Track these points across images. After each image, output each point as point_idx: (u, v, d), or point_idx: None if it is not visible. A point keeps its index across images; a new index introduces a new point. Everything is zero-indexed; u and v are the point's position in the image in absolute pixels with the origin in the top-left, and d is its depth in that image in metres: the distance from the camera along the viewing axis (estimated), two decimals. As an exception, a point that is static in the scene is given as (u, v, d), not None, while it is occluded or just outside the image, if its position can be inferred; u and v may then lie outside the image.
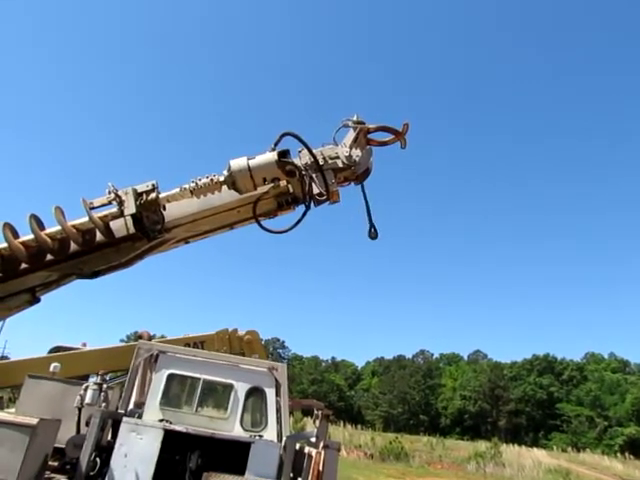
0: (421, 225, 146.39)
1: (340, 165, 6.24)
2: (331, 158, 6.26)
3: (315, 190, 6.06)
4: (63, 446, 5.73)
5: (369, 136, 6.62)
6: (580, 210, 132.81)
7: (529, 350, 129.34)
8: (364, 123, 6.56)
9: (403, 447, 36.32)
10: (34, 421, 4.79)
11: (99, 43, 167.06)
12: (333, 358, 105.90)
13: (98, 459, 5.53)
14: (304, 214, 6.08)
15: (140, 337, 7.73)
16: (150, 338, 7.83)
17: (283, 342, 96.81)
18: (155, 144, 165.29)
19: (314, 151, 6.11)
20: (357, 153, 6.33)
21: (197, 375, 6.22)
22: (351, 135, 6.44)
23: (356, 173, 6.38)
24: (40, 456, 4.99)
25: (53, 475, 5.46)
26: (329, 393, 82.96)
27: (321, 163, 6.12)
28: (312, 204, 6.12)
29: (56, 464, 5.73)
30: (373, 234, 6.51)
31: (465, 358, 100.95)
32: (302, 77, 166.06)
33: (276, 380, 6.35)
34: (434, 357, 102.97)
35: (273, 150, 5.89)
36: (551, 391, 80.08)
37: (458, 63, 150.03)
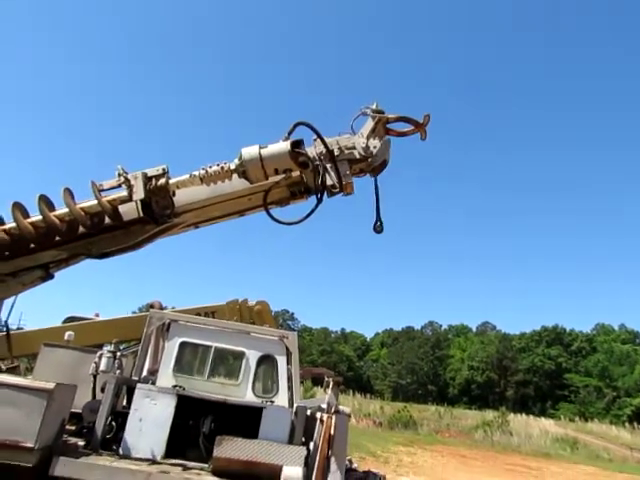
0: (429, 197, 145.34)
1: (356, 156, 6.06)
2: (347, 148, 6.08)
3: (328, 181, 5.91)
4: (79, 411, 5.88)
5: (388, 126, 6.37)
6: (588, 184, 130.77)
7: (538, 322, 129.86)
8: (383, 112, 6.28)
9: (411, 416, 37.02)
10: (51, 386, 4.89)
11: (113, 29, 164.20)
12: (342, 329, 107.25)
13: (114, 423, 5.67)
14: (316, 207, 5.97)
15: (152, 306, 7.82)
16: (161, 307, 7.93)
17: (292, 314, 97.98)
18: (167, 128, 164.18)
19: (329, 140, 5.97)
20: (374, 144, 6.12)
21: (209, 343, 6.29)
22: (369, 124, 6.21)
23: (372, 165, 6.19)
24: (58, 420, 5.11)
25: (71, 438, 5.60)
26: (338, 363, 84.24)
27: (336, 153, 5.96)
28: (325, 195, 5.99)
29: (73, 428, 5.87)
30: (379, 227, 6.34)
31: (473, 330, 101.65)
32: (321, 63, 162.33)
33: (287, 348, 6.41)
34: (442, 328, 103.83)
35: (286, 139, 5.75)
36: (559, 362, 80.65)
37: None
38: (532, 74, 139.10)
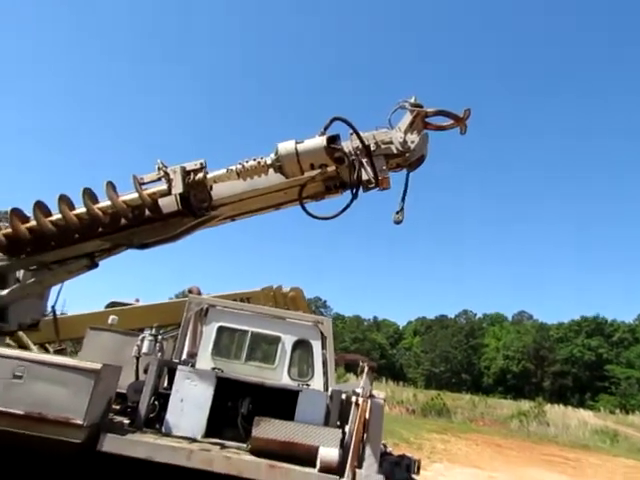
0: (464, 183, 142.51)
1: (393, 151, 6.01)
2: (384, 143, 6.04)
3: (364, 176, 5.91)
4: (124, 391, 6.14)
5: (426, 120, 6.28)
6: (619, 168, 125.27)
7: (577, 311, 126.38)
8: (422, 106, 6.21)
9: (445, 404, 36.74)
10: (98, 366, 5.11)
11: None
12: (375, 317, 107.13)
13: (157, 403, 5.89)
14: (350, 202, 5.98)
15: (190, 292, 8.02)
16: (199, 293, 8.11)
17: (325, 301, 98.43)
18: (203, 122, 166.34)
19: (365, 135, 5.93)
20: (412, 139, 6.06)
21: (245, 328, 6.43)
22: (407, 118, 6.15)
23: (409, 160, 6.14)
24: (104, 399, 5.34)
25: (116, 417, 5.85)
26: (371, 351, 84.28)
27: (373, 148, 5.93)
28: (361, 190, 5.98)
29: (118, 407, 6.13)
30: (398, 218, 6.27)
31: (509, 319, 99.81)
32: (357, 57, 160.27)
33: (322, 333, 6.48)
34: (477, 317, 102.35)
35: (323, 134, 5.75)
36: (600, 353, 78.33)
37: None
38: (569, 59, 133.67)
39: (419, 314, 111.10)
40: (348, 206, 5.99)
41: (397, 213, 6.24)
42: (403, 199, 6.30)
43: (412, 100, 6.23)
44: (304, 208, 6.14)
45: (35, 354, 6.03)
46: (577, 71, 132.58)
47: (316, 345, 6.40)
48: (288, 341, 6.40)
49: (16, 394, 4.94)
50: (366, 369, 6.05)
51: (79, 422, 4.90)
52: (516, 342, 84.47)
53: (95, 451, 5.05)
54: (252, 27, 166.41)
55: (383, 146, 6.03)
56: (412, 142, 6.05)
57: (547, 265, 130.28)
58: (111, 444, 5.10)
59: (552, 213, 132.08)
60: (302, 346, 6.45)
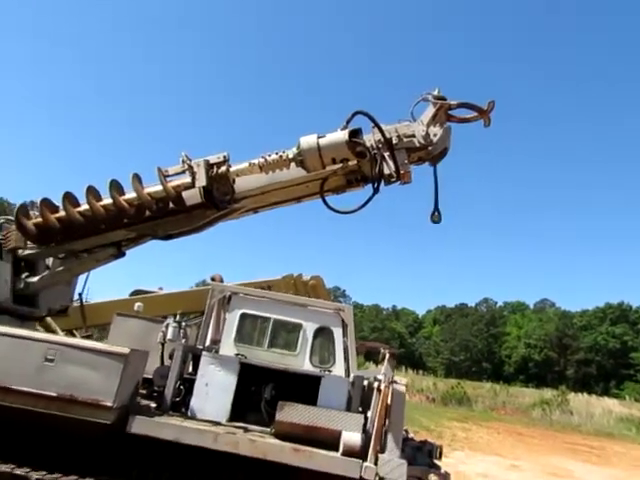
0: (484, 171, 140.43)
1: (415, 144, 5.96)
2: (406, 136, 5.98)
3: (386, 170, 5.88)
4: (150, 376, 6.29)
5: (450, 112, 6.19)
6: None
7: (601, 299, 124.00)
8: (445, 99, 6.12)
9: (465, 392, 36.69)
10: (127, 350, 5.25)
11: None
12: (394, 306, 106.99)
13: (182, 388, 6.03)
14: (372, 196, 5.97)
15: (213, 279, 8.13)
16: (222, 281, 8.22)
17: (344, 291, 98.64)
18: (227, 114, 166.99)
19: (387, 128, 5.89)
20: (435, 131, 5.99)
21: (268, 315, 6.50)
22: (430, 111, 6.07)
23: (432, 153, 6.09)
24: (132, 382, 5.48)
25: (143, 401, 6.01)
26: (390, 340, 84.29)
27: (395, 142, 5.90)
28: (382, 184, 5.96)
29: (144, 392, 6.29)
30: (436, 217, 6.24)
31: (531, 307, 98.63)
32: (381, 49, 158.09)
33: (343, 320, 6.52)
34: (498, 305, 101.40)
35: (345, 128, 5.74)
36: (625, 340, 76.93)
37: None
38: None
39: (438, 303, 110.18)
40: (369, 200, 6.00)
41: (433, 214, 6.22)
42: (436, 197, 6.27)
43: (435, 92, 6.14)
44: (325, 202, 6.16)
45: (66, 338, 6.23)
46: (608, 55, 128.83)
47: (337, 332, 6.45)
48: (310, 328, 6.46)
49: (48, 377, 5.10)
50: (387, 356, 6.09)
51: (109, 404, 5.04)
52: (538, 330, 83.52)
53: (124, 433, 5.20)
54: (273, 16, 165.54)
55: (405, 139, 5.98)
56: (435, 135, 5.99)
57: (570, 252, 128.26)
58: (140, 426, 5.24)
59: (574, 199, 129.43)
60: (323, 333, 6.50)
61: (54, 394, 5.07)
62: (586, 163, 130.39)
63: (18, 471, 5.01)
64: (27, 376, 5.11)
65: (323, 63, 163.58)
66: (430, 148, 6.02)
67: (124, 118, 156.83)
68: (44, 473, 5.01)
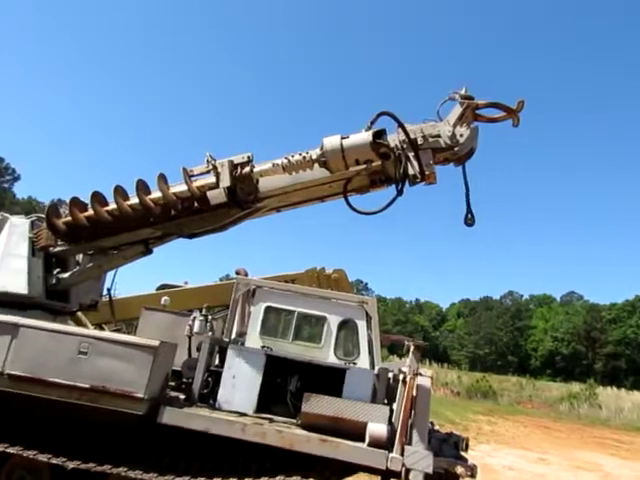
0: (512, 162, 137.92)
1: (441, 145, 5.87)
2: (432, 136, 5.90)
3: (410, 171, 5.81)
4: (178, 369, 6.43)
5: (477, 112, 6.06)
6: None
7: (631, 291, 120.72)
8: (473, 98, 5.98)
9: (491, 386, 36.34)
10: (156, 343, 5.38)
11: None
12: (417, 300, 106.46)
13: (210, 380, 6.15)
14: (395, 198, 5.92)
15: (237, 273, 8.25)
16: (246, 274, 8.33)
17: (366, 284, 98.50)
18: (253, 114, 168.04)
19: (412, 128, 5.84)
20: (461, 132, 5.87)
21: (292, 308, 6.55)
22: (457, 111, 5.95)
23: (458, 154, 5.96)
24: (162, 374, 5.62)
25: (172, 392, 6.15)
26: (413, 333, 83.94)
27: (420, 142, 5.82)
28: (407, 184, 5.90)
29: (173, 384, 6.43)
30: (470, 220, 6.11)
31: (558, 300, 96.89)
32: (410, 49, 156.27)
33: (367, 313, 6.53)
34: (523, 298, 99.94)
35: (369, 129, 5.70)
36: (656, 334, 75.04)
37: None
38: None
39: (462, 296, 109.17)
40: (392, 202, 5.94)
41: (467, 217, 6.11)
42: (468, 198, 6.15)
43: (462, 92, 6.02)
44: (348, 202, 6.13)
45: (98, 331, 6.41)
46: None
47: (361, 325, 6.46)
48: (334, 321, 6.48)
49: (81, 369, 5.27)
50: (412, 348, 6.08)
51: (140, 395, 5.18)
52: (565, 323, 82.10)
53: (155, 423, 5.34)
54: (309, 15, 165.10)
55: (431, 139, 5.89)
56: (461, 135, 5.88)
57: (599, 244, 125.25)
58: (170, 417, 5.37)
59: (602, 190, 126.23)
60: (348, 326, 6.52)
61: (87, 386, 5.23)
62: (613, 153, 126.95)
63: (54, 460, 5.20)
64: (61, 368, 5.28)
65: (350, 62, 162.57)
66: (456, 149, 5.91)
67: (151, 118, 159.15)
68: (79, 462, 5.18)
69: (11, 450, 5.27)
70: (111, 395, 5.22)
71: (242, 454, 5.44)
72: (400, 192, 5.90)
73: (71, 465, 5.16)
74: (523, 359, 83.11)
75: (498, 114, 6.12)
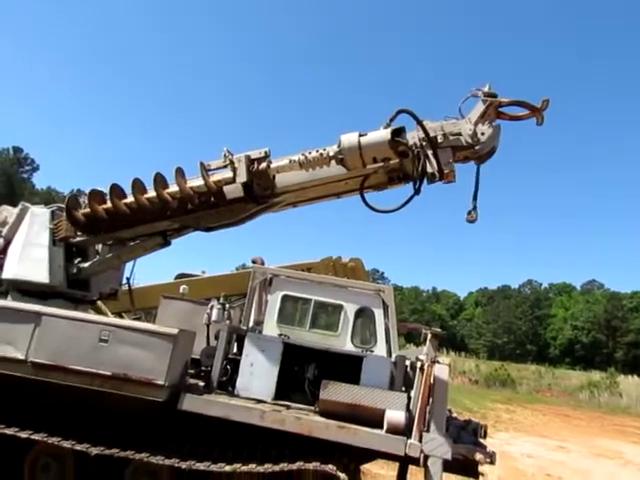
0: (529, 150, 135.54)
1: (462, 143, 5.75)
2: (452, 134, 5.77)
3: (429, 169, 5.74)
4: (197, 357, 6.50)
5: (500, 109, 5.92)
6: None
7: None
8: (496, 96, 5.81)
9: (509, 374, 36.10)
10: (175, 331, 5.44)
11: None
12: (434, 288, 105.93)
13: (228, 367, 6.20)
14: (412, 197, 5.87)
15: (254, 262, 8.26)
16: (263, 263, 8.34)
17: (382, 273, 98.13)
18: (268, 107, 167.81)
19: (433, 125, 5.75)
20: (483, 130, 5.73)
21: (309, 296, 6.56)
22: (479, 108, 5.82)
23: (479, 153, 5.84)
24: (182, 362, 5.69)
25: (191, 379, 6.22)
26: (430, 322, 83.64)
27: (440, 140, 5.73)
28: (424, 183, 5.84)
29: (192, 371, 6.50)
30: (472, 217, 5.97)
31: (578, 288, 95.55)
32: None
33: (383, 301, 6.51)
34: (543, 287, 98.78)
35: (387, 126, 5.61)
36: (678, 322, 73.61)
37: None
38: None
39: (480, 285, 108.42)
40: (409, 201, 5.89)
41: (470, 213, 5.99)
42: (475, 196, 6.03)
43: (485, 89, 5.86)
44: (364, 199, 6.09)
45: (119, 319, 6.50)
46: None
47: (378, 313, 6.44)
48: (350, 309, 6.48)
49: (103, 357, 5.36)
50: (429, 336, 6.05)
51: (161, 382, 5.26)
52: (585, 312, 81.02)
53: (176, 410, 5.42)
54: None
55: (451, 137, 5.77)
56: (482, 134, 5.74)
57: (620, 232, 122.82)
58: (191, 403, 5.44)
59: (622, 178, 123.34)
60: (364, 314, 6.51)
61: (109, 373, 5.32)
62: (631, 142, 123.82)
63: (78, 447, 5.31)
64: (83, 356, 5.38)
65: (370, 60, 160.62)
66: (477, 147, 5.78)
67: (168, 112, 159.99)
68: (102, 448, 5.28)
69: (36, 437, 5.37)
70: (132, 382, 5.30)
71: (261, 440, 5.50)
72: (417, 191, 5.84)
73: (95, 451, 5.26)
74: (542, 348, 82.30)
75: (522, 112, 5.95)
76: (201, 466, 5.16)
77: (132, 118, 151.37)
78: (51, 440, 5.35)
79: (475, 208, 6.00)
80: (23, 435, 5.37)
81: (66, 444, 5.33)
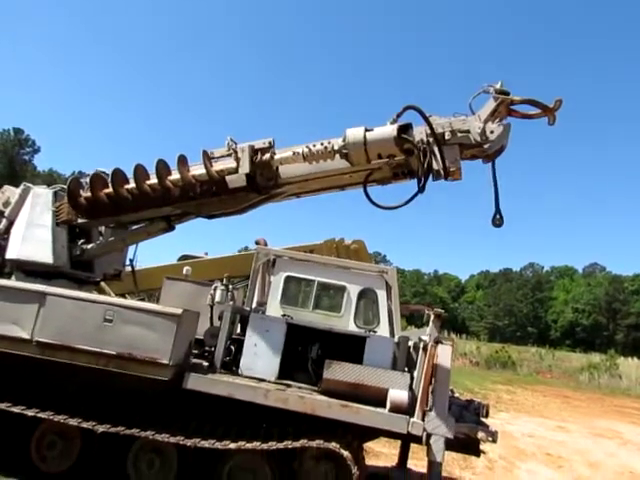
0: (532, 132, 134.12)
1: (470, 141, 5.63)
2: (460, 132, 5.64)
3: (434, 166, 5.63)
4: (201, 337, 6.54)
5: (511, 107, 5.78)
6: None
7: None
8: (508, 94, 5.66)
9: (510, 356, 36.33)
10: (179, 311, 5.47)
11: None
12: (435, 271, 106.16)
13: (232, 347, 6.24)
14: (415, 194, 5.77)
15: (257, 243, 8.27)
16: (266, 244, 8.35)
17: (385, 256, 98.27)
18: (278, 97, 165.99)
19: (441, 122, 5.65)
20: (492, 128, 5.60)
21: (312, 277, 6.55)
22: (490, 105, 5.67)
23: (487, 152, 5.71)
24: (186, 341, 5.73)
25: (195, 360, 6.27)
26: (432, 305, 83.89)
27: (448, 137, 5.61)
28: (430, 180, 5.73)
29: (196, 351, 6.54)
30: (498, 221, 5.85)
31: (580, 271, 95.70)
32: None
33: (386, 282, 6.51)
34: (544, 270, 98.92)
35: (394, 122, 5.53)
36: (680, 305, 73.81)
37: None
38: None
39: (482, 268, 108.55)
40: (412, 198, 5.82)
41: (495, 217, 5.87)
42: (497, 197, 5.89)
43: (497, 86, 5.71)
44: (367, 195, 6.02)
45: (123, 300, 6.52)
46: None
47: (381, 294, 6.45)
48: (353, 290, 6.48)
49: (107, 336, 5.40)
50: (432, 317, 6.06)
51: (165, 362, 5.30)
52: (587, 295, 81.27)
53: (180, 389, 5.47)
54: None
55: (459, 134, 5.65)
56: (492, 132, 5.62)
57: (622, 215, 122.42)
58: (196, 382, 5.50)
59: (625, 160, 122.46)
60: (367, 295, 6.51)
61: (114, 352, 5.37)
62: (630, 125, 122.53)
63: (85, 425, 5.38)
64: (88, 336, 5.42)
65: (382, 54, 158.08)
66: (486, 146, 5.66)
67: (174, 95, 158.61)
68: (108, 426, 5.35)
69: (42, 415, 5.44)
70: (137, 362, 5.34)
71: (265, 419, 5.57)
72: (422, 189, 5.75)
73: (101, 429, 5.33)
74: (543, 330, 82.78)
75: (533, 111, 5.82)
76: (206, 444, 5.22)
77: (135, 101, 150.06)
78: (57, 418, 5.42)
79: (500, 211, 5.86)
80: (30, 413, 5.44)
81: (72, 422, 5.39)
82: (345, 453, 5.09)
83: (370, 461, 8.03)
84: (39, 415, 5.45)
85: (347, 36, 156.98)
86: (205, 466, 5.50)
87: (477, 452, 6.16)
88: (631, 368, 35.51)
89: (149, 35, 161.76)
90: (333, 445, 5.13)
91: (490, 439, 5.63)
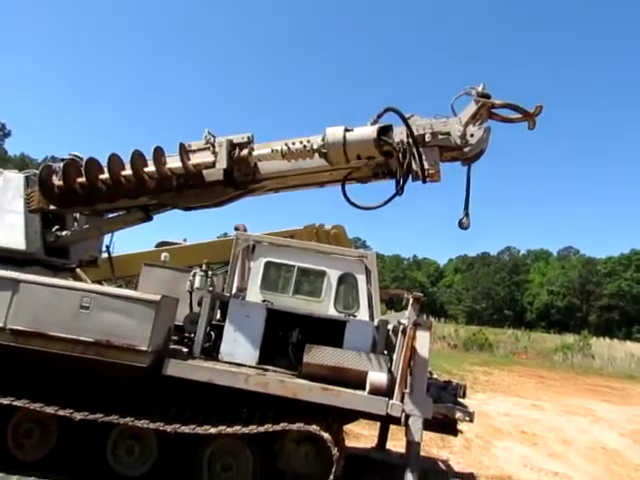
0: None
1: (450, 143, 5.64)
2: (441, 134, 5.65)
3: (414, 167, 5.62)
4: (180, 324, 6.49)
5: (492, 110, 5.78)
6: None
7: (627, 245, 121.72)
8: (489, 97, 5.66)
9: (487, 338, 37.13)
10: (158, 297, 5.41)
11: None
12: (414, 256, 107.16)
13: (212, 333, 6.22)
14: (393, 196, 5.76)
15: (237, 229, 8.20)
16: (245, 230, 8.29)
17: (364, 241, 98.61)
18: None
19: (422, 123, 5.65)
20: (473, 131, 5.63)
21: (292, 262, 6.54)
22: (471, 108, 5.69)
23: (467, 155, 5.73)
24: (165, 328, 5.68)
25: (175, 346, 6.24)
26: (411, 289, 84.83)
27: (428, 139, 5.62)
28: (408, 181, 5.72)
29: (176, 338, 6.51)
30: (465, 223, 5.85)
31: (555, 254, 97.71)
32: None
33: (366, 267, 6.54)
34: (521, 254, 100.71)
35: (375, 123, 5.50)
36: (650, 286, 76.07)
37: None
38: None
39: (460, 252, 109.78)
40: (390, 200, 5.82)
41: (462, 220, 5.88)
42: (467, 200, 5.90)
43: (479, 88, 5.70)
44: (345, 195, 6.02)
45: (100, 286, 6.42)
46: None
47: (361, 279, 6.48)
48: (333, 275, 6.50)
49: (84, 323, 5.32)
50: (411, 300, 6.12)
51: (144, 348, 5.25)
52: (561, 277, 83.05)
53: (160, 375, 5.44)
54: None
55: (440, 136, 5.67)
56: (472, 136, 5.64)
57: (596, 199, 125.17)
58: (175, 368, 5.47)
59: (599, 148, 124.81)
60: (347, 280, 6.53)
61: (91, 340, 5.29)
62: (605, 111, 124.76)
63: (62, 412, 5.32)
64: (64, 323, 5.33)
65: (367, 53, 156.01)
66: (466, 149, 5.68)
67: (158, 87, 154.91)
68: (86, 413, 5.30)
69: (17, 403, 5.37)
70: (115, 348, 5.28)
71: (246, 404, 5.58)
72: (400, 190, 5.75)
73: (78, 416, 5.28)
74: (519, 313, 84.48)
75: (514, 115, 5.84)
76: (186, 429, 5.22)
77: (114, 89, 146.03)
78: (33, 406, 5.35)
79: (468, 215, 5.89)
80: (5, 402, 5.35)
81: (49, 410, 5.33)
82: (325, 435, 5.15)
83: (350, 443, 8.16)
84: (15, 403, 5.37)
85: (347, 36, 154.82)
86: (186, 451, 5.51)
87: (455, 432, 6.30)
88: (603, 348, 36.68)
89: (130, 22, 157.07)
90: (314, 428, 5.19)
91: (467, 419, 5.76)
